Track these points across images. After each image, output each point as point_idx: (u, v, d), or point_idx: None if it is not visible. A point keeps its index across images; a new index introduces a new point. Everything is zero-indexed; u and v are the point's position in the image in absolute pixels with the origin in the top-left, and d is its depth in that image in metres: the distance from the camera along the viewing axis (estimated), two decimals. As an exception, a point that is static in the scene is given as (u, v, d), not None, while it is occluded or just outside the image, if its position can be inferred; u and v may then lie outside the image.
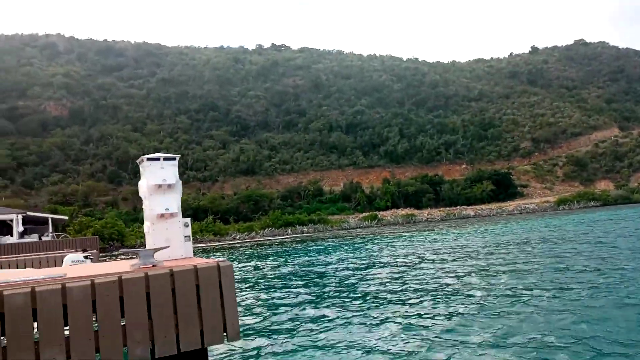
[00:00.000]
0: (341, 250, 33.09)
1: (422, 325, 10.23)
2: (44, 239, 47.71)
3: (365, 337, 9.67)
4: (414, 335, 9.56)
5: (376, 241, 40.36)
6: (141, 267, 5.03)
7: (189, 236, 6.25)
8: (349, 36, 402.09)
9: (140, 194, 6.18)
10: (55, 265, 19.18)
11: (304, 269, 23.31)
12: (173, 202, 6.06)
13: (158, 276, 4.83)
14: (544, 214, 75.54)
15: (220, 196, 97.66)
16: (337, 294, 15.20)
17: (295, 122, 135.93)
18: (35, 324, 4.29)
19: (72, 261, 14.29)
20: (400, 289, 15.16)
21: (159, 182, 6.00)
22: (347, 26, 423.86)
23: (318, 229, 73.36)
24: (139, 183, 6.22)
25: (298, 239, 55.48)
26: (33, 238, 46.10)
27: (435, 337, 9.30)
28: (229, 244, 61.20)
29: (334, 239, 48.39)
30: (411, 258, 24.26)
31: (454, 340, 8.93)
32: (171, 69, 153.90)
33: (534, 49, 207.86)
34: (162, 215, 5.98)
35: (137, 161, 6.32)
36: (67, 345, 4.32)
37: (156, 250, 5.35)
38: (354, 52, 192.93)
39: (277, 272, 23.00)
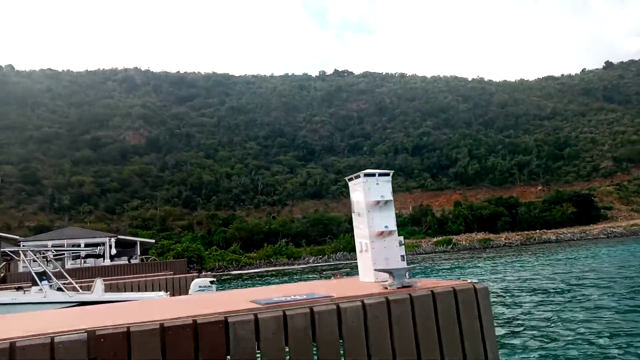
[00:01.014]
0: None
1: None
2: (132, 261, 49.82)
3: None
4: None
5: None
6: (398, 287, 4.72)
7: (403, 255, 5.95)
8: (411, 59, 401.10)
9: (356, 209, 5.96)
10: (181, 288, 19.79)
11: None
12: (390, 219, 5.80)
13: (422, 297, 4.50)
14: (637, 238, 70.09)
15: (290, 220, 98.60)
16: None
17: (360, 145, 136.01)
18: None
19: (200, 286, 14.61)
20: None
21: (377, 198, 5.76)
22: (408, 49, 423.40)
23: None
24: (354, 199, 6.01)
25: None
26: (123, 260, 48.33)
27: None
28: (304, 267, 61.16)
29: (441, 261, 47.04)
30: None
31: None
32: (239, 98, 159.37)
33: (609, 64, 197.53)
34: (381, 233, 5.72)
35: (351, 177, 6.14)
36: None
37: (407, 269, 5.04)
38: (417, 74, 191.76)
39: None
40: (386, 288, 4.72)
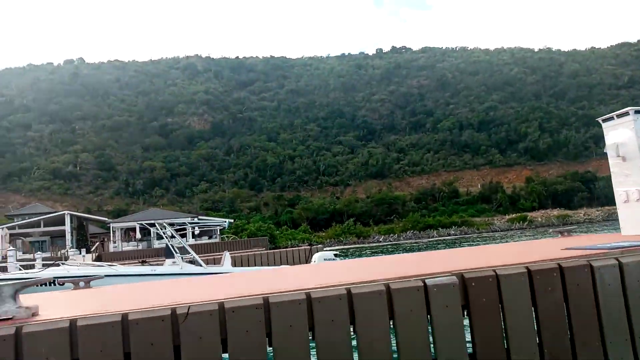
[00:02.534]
0: None
1: None
2: (212, 240, 51.33)
3: None
4: None
5: None
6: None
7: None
8: (471, 32, 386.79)
9: (621, 153, 5.25)
10: (302, 261, 20.05)
11: None
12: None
13: None
14: None
15: (354, 199, 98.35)
16: None
17: (423, 122, 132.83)
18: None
19: (325, 259, 14.52)
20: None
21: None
22: (467, 22, 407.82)
23: (464, 232, 70.20)
24: (618, 140, 5.26)
25: (454, 241, 53.29)
26: (204, 240, 49.94)
27: None
28: (376, 245, 60.85)
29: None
30: None
31: None
32: (298, 80, 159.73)
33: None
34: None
35: (608, 117, 5.38)
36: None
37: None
38: (479, 46, 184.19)
39: None
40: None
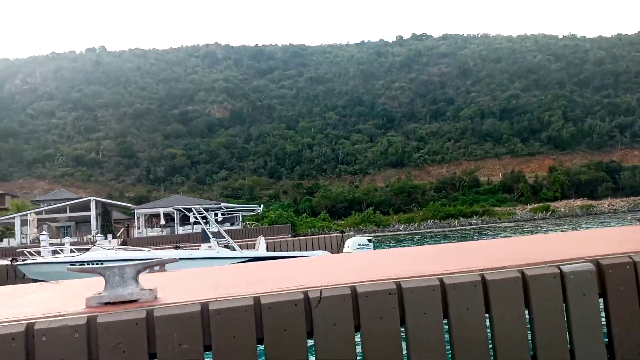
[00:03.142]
0: None
1: None
2: (234, 227, 51.72)
3: None
4: None
5: None
6: None
7: None
8: (493, 19, 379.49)
9: None
10: (333, 248, 20.12)
11: None
12: None
13: None
14: None
15: (373, 188, 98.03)
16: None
17: (443, 110, 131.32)
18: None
19: (359, 244, 14.50)
20: None
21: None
22: (489, 8, 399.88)
23: (485, 221, 69.52)
24: None
25: (479, 231, 52.86)
26: (226, 226, 50.34)
27: None
28: (398, 234, 60.68)
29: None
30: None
31: None
32: (317, 68, 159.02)
33: None
34: None
35: None
36: None
37: None
38: (502, 33, 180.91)
39: None
40: None
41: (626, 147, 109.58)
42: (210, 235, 14.57)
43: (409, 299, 2.06)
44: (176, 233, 44.65)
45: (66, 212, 52.21)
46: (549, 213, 71.47)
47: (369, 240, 14.27)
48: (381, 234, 64.14)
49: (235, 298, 1.95)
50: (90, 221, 50.43)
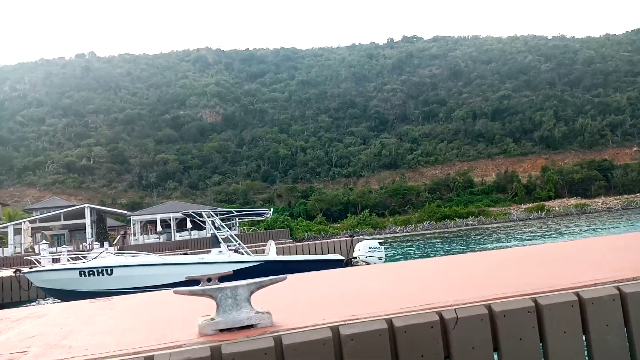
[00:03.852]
0: None
1: None
2: (232, 232, 51.04)
3: None
4: None
5: None
6: None
7: None
8: (483, 20, 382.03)
9: None
10: (343, 252, 19.80)
11: None
12: None
13: None
14: None
15: (368, 190, 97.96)
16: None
17: (435, 112, 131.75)
18: None
19: (370, 247, 14.27)
20: None
21: None
22: (478, 10, 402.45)
23: (481, 222, 69.61)
24: None
25: (480, 232, 52.81)
26: (223, 232, 49.75)
27: None
28: (396, 236, 60.48)
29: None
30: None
31: None
32: (308, 71, 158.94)
33: None
34: None
35: None
36: None
37: None
38: (492, 35, 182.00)
39: None
40: None
41: (617, 145, 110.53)
42: (221, 240, 14.28)
43: (548, 317, 1.91)
44: (173, 239, 44.12)
45: (60, 220, 51.40)
46: (544, 212, 71.76)
47: (380, 244, 14.04)
48: (378, 236, 63.90)
49: (367, 321, 1.78)
50: (84, 229, 49.65)
